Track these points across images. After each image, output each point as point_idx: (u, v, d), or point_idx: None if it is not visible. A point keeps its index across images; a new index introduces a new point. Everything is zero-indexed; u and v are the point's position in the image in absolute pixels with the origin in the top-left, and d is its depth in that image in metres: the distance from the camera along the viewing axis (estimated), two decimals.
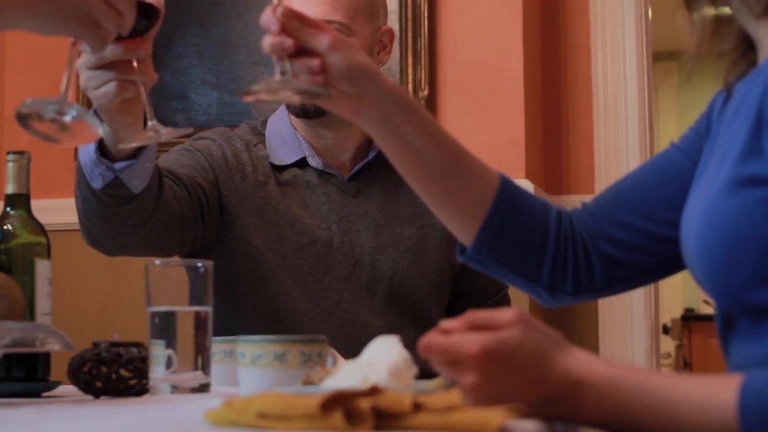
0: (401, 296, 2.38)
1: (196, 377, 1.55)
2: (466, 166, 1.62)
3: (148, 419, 1.23)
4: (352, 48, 1.53)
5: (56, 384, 1.78)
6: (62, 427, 1.13)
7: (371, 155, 2.44)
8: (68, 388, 1.81)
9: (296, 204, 2.37)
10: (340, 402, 1.02)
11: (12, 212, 1.80)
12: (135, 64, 1.78)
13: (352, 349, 2.14)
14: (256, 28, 3.76)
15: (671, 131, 8.42)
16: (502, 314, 1.16)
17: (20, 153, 1.82)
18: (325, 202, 2.39)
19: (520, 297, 2.21)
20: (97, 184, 1.98)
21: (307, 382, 1.40)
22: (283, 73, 1.49)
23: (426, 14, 3.64)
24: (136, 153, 1.99)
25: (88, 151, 1.96)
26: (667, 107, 9.24)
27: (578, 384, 1.14)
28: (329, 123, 2.37)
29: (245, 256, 2.32)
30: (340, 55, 1.51)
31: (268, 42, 1.50)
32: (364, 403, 1.02)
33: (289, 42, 1.49)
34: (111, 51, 1.76)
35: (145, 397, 1.63)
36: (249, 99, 1.50)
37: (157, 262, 1.60)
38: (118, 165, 1.97)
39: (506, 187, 1.65)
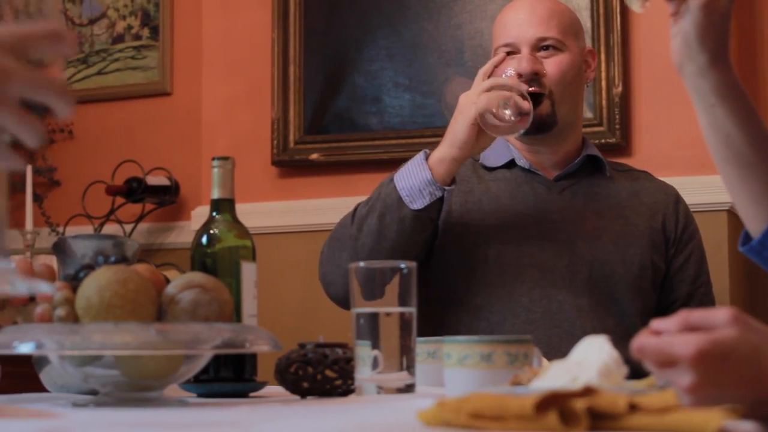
0: (600, 282, 2.48)
1: (401, 378, 1.56)
2: None
3: (361, 419, 1.23)
4: (715, 15, 1.54)
5: (263, 384, 1.82)
6: (280, 427, 1.14)
7: (577, 162, 2.60)
8: (274, 389, 1.84)
9: (503, 195, 2.55)
10: (555, 402, 1.00)
11: (218, 216, 1.84)
12: None
13: (549, 323, 2.41)
14: (447, 30, 3.79)
15: None
16: (717, 313, 1.13)
17: (225, 158, 1.86)
18: (531, 195, 2.55)
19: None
20: (419, 204, 2.36)
21: (516, 383, 1.39)
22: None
23: (618, 9, 3.58)
24: (451, 182, 2.38)
25: (416, 175, 2.37)
26: None
27: None
28: (549, 140, 2.55)
29: (445, 245, 2.50)
30: (699, 15, 1.52)
31: None
32: (580, 404, 1.00)
33: None
34: None
35: (351, 397, 1.64)
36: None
37: (362, 264, 1.61)
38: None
39: None
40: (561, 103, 2.50)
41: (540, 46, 2.50)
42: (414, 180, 2.37)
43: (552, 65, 2.49)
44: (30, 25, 1.14)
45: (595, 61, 2.66)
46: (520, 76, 2.44)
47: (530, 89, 2.40)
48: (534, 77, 2.45)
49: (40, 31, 1.12)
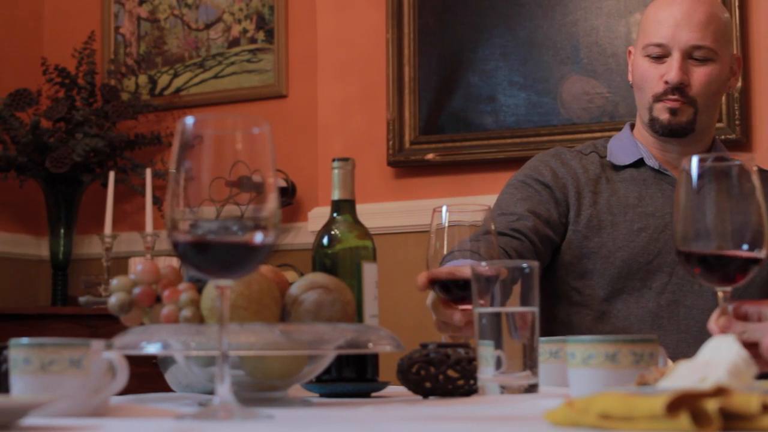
0: None
1: (524, 377, 1.55)
2: None
3: (487, 419, 1.23)
4: None
5: (385, 384, 1.82)
6: (411, 427, 1.14)
7: (708, 162, 2.50)
8: (395, 389, 1.85)
9: (632, 196, 2.52)
10: (686, 403, 0.99)
11: (338, 217, 1.85)
12: None
13: (676, 328, 2.40)
14: (562, 27, 3.77)
15: None
16: None
17: (345, 159, 1.86)
18: (659, 197, 2.52)
19: None
20: None
21: (642, 383, 1.37)
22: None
23: (737, 3, 3.53)
24: None
25: None
26: None
27: None
28: (682, 141, 2.51)
29: (573, 244, 2.49)
30: None
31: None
32: (711, 404, 0.99)
33: None
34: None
35: (474, 397, 1.64)
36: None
37: (483, 263, 1.61)
38: None
39: None
40: (703, 112, 2.46)
41: (693, 54, 2.43)
42: None
43: (701, 76, 2.43)
44: None
45: (740, 69, 2.58)
46: (666, 83, 2.42)
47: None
48: (679, 86, 2.42)
49: None
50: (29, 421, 1.20)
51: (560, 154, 2.60)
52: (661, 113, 2.44)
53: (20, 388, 1.35)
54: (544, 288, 2.44)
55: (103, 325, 4.12)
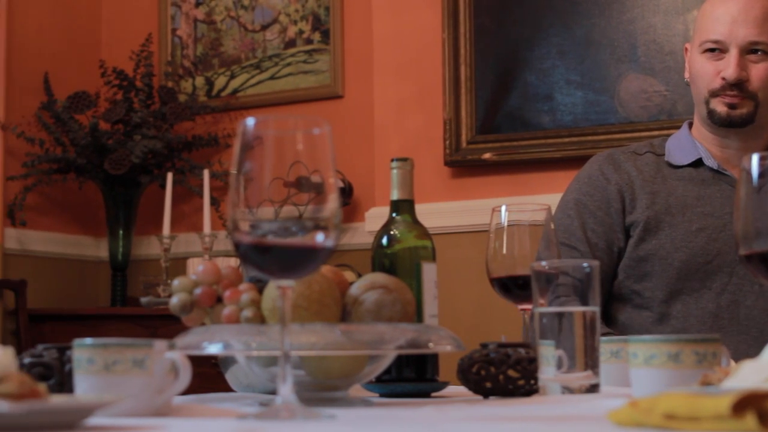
0: None
1: (586, 377, 1.54)
2: None
3: (550, 419, 1.23)
4: None
5: (445, 384, 1.82)
6: (473, 427, 1.14)
7: None
8: (455, 389, 1.84)
9: (690, 196, 2.50)
10: (753, 402, 0.98)
11: (397, 217, 1.85)
12: None
13: (737, 329, 2.37)
14: (619, 25, 3.75)
15: None
16: None
17: (404, 159, 1.86)
18: (718, 197, 2.50)
19: None
20: None
21: (706, 383, 1.36)
22: None
23: None
24: None
25: None
26: None
27: None
28: (741, 134, 2.49)
29: (631, 247, 2.48)
30: None
31: None
32: None
33: None
34: None
35: (535, 397, 1.63)
36: None
37: (543, 263, 1.60)
38: None
39: None
40: (764, 106, 2.45)
41: (750, 50, 2.42)
42: None
43: (760, 71, 2.42)
44: None
45: None
46: (723, 80, 2.41)
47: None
48: (738, 83, 2.40)
49: None
50: (94, 420, 1.21)
51: (613, 158, 2.58)
52: (718, 106, 2.44)
53: (84, 388, 1.36)
54: (605, 290, 2.48)
55: (162, 325, 4.16)
